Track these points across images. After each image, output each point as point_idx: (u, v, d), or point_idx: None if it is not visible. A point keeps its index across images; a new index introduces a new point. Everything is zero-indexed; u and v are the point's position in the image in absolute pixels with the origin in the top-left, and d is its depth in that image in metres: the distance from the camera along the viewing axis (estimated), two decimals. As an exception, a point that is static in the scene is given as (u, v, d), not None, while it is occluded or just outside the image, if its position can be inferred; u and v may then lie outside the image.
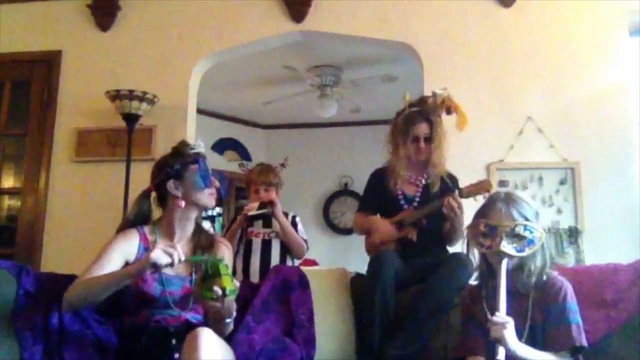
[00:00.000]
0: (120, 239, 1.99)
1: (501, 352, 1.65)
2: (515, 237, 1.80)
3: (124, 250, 1.96)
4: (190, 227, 2.09)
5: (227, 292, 1.70)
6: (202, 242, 2.07)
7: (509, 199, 1.87)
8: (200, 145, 2.09)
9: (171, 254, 1.74)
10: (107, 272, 1.87)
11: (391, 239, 2.56)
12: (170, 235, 2.06)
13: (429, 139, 2.61)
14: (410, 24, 3.70)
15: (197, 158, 2.05)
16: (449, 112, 2.68)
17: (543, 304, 1.81)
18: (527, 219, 1.83)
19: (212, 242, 2.10)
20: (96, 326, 1.95)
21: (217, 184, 2.07)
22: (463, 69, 3.57)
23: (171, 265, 1.75)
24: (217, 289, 1.69)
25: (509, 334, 1.66)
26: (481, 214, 1.92)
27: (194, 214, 2.08)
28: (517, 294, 1.83)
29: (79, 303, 1.87)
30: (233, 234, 2.99)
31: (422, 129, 2.62)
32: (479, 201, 2.40)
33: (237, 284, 1.77)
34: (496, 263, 1.82)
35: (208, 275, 1.72)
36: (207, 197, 2.05)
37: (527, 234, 1.80)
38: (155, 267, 1.74)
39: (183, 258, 1.77)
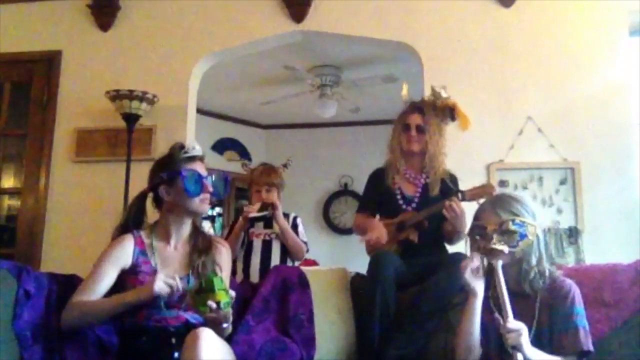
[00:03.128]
0: (114, 249, 1.98)
1: (520, 359, 1.66)
2: (505, 233, 1.81)
3: (119, 260, 1.97)
4: (186, 230, 2.08)
5: (222, 305, 1.72)
6: (199, 244, 2.06)
7: (495, 199, 1.94)
8: (194, 148, 2.05)
9: (171, 285, 1.83)
10: (103, 286, 1.91)
11: (381, 244, 2.53)
12: (166, 238, 2.05)
13: (421, 130, 2.62)
14: (410, 24, 3.70)
15: (181, 166, 1.99)
16: (453, 117, 2.69)
17: (550, 307, 1.81)
18: (514, 214, 1.84)
19: (210, 244, 2.08)
20: (97, 325, 1.95)
21: (210, 188, 2.02)
22: (463, 69, 3.57)
23: (170, 295, 1.84)
24: (211, 303, 1.71)
25: (525, 340, 1.67)
26: (475, 217, 1.96)
27: (187, 219, 2.07)
28: (523, 295, 1.83)
29: (78, 326, 1.91)
30: (236, 237, 2.97)
31: (413, 118, 2.64)
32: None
33: (233, 294, 1.79)
34: (495, 263, 1.83)
35: (202, 289, 1.74)
36: (197, 204, 2.02)
37: (516, 228, 1.81)
38: (157, 297, 1.83)
39: (181, 290, 1.85)
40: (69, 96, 3.91)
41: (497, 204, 1.89)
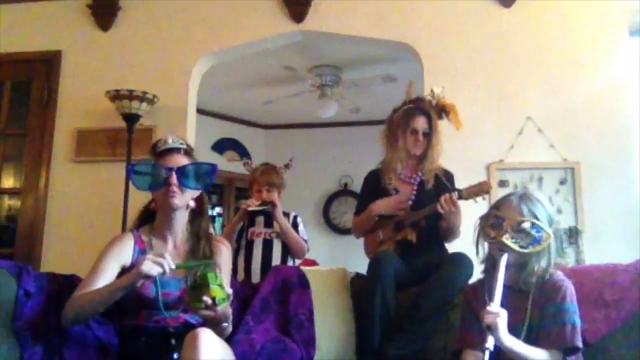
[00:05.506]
0: (114, 246, 1.96)
1: (490, 341, 1.65)
2: (521, 232, 1.80)
3: (119, 257, 1.94)
4: (179, 227, 2.02)
5: (217, 301, 1.69)
6: (199, 252, 1.99)
7: (524, 195, 1.88)
8: (166, 142, 1.98)
9: (161, 264, 1.74)
10: (104, 282, 1.87)
11: (401, 205, 2.56)
12: (163, 236, 2.02)
13: (427, 134, 2.63)
14: (410, 24, 3.70)
15: (133, 164, 1.94)
16: (440, 115, 2.69)
17: (542, 303, 1.81)
18: (537, 218, 1.82)
19: (212, 253, 2.01)
20: (96, 326, 1.95)
21: (172, 180, 1.90)
22: (463, 69, 3.57)
23: (163, 274, 1.75)
24: (206, 298, 1.68)
25: (501, 323, 1.66)
26: (495, 205, 1.93)
27: (174, 215, 1.98)
28: (518, 292, 1.83)
29: (77, 320, 1.87)
30: (233, 229, 3.00)
31: (421, 123, 2.64)
32: (478, 202, 2.40)
33: (230, 291, 1.76)
34: (497, 255, 1.82)
35: (197, 285, 1.72)
36: (161, 197, 1.95)
37: (533, 232, 1.79)
38: (147, 277, 1.75)
39: (174, 266, 1.76)
40: (69, 96, 3.91)
41: (524, 200, 1.85)
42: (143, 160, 1.97)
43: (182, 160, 1.97)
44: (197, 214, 2.05)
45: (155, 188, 1.95)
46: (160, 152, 1.98)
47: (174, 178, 1.91)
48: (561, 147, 3.42)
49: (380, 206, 2.62)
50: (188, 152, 2.01)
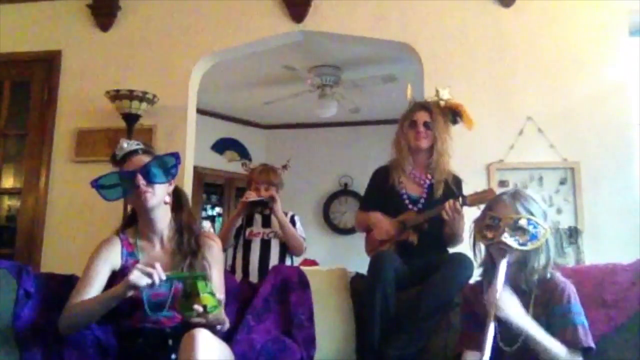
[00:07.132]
0: (103, 249, 1.96)
1: (487, 352, 1.65)
2: (518, 230, 1.79)
3: (109, 261, 1.93)
4: (164, 226, 2.00)
5: (208, 309, 1.68)
6: (184, 246, 1.97)
7: (516, 194, 1.88)
8: (122, 147, 1.98)
9: (150, 274, 1.71)
10: (96, 287, 1.87)
11: (389, 239, 2.56)
12: (148, 238, 2.00)
13: (428, 127, 2.61)
14: (409, 24, 3.70)
15: (96, 179, 1.93)
16: (454, 121, 2.68)
17: (546, 305, 1.80)
18: (532, 214, 1.82)
19: (198, 246, 1.99)
20: (96, 327, 1.94)
21: (139, 182, 1.88)
22: (463, 69, 3.57)
23: (152, 285, 1.72)
24: (197, 307, 1.67)
25: (507, 301, 1.69)
26: (488, 207, 1.93)
27: (153, 215, 1.96)
28: (520, 293, 1.82)
29: (74, 329, 1.87)
30: (232, 223, 3.02)
31: (421, 115, 2.63)
32: (480, 207, 2.40)
33: (222, 297, 1.76)
34: (497, 256, 1.82)
35: (187, 293, 1.71)
36: (136, 201, 1.94)
37: (530, 228, 1.79)
38: (136, 288, 1.72)
39: (164, 277, 1.74)
40: (69, 96, 3.91)
41: (517, 198, 1.85)
42: (122, 167, 1.96)
43: (143, 160, 1.95)
44: (177, 208, 2.03)
45: (126, 194, 1.94)
46: (120, 160, 1.97)
47: (140, 179, 1.90)
48: (561, 147, 3.42)
49: (382, 229, 2.59)
50: (147, 150, 2.00)
